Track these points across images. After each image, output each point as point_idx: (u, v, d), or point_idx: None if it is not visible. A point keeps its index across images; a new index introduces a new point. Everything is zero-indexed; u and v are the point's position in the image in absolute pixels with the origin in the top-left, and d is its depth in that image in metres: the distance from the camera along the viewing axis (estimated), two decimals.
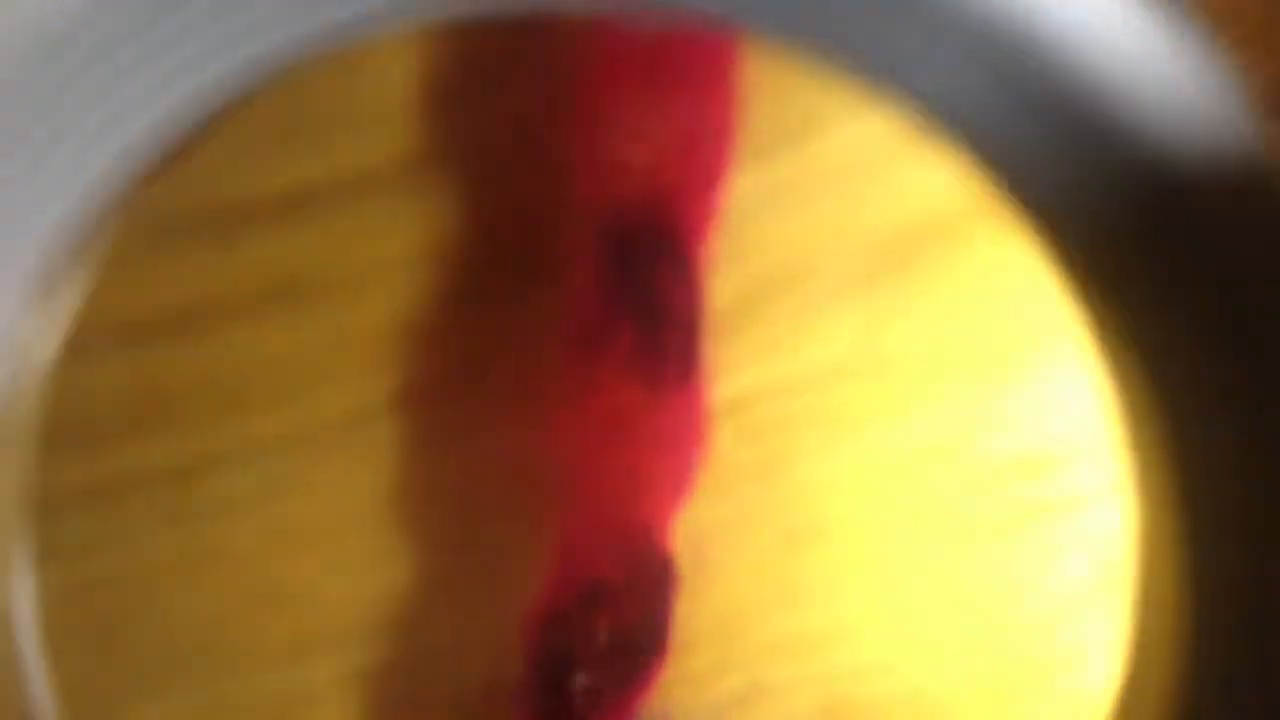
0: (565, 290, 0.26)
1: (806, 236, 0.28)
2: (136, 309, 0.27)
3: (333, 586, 0.28)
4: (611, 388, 0.26)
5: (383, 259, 0.27)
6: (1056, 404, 0.29)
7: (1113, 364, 0.23)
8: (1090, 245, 0.22)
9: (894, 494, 0.29)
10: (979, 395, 0.29)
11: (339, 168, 0.27)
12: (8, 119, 0.20)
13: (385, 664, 0.28)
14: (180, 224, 0.27)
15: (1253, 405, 0.22)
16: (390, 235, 0.27)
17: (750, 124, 0.27)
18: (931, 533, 0.29)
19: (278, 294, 0.27)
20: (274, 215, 0.27)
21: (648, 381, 0.26)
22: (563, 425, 0.27)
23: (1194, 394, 0.22)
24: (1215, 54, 0.21)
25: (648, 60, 0.25)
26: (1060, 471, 0.29)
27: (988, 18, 0.21)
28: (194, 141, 0.23)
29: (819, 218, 0.28)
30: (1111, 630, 0.29)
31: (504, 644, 0.28)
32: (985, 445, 0.29)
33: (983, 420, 0.29)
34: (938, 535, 0.29)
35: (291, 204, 0.27)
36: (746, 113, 0.27)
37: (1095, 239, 0.22)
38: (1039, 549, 0.29)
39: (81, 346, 0.24)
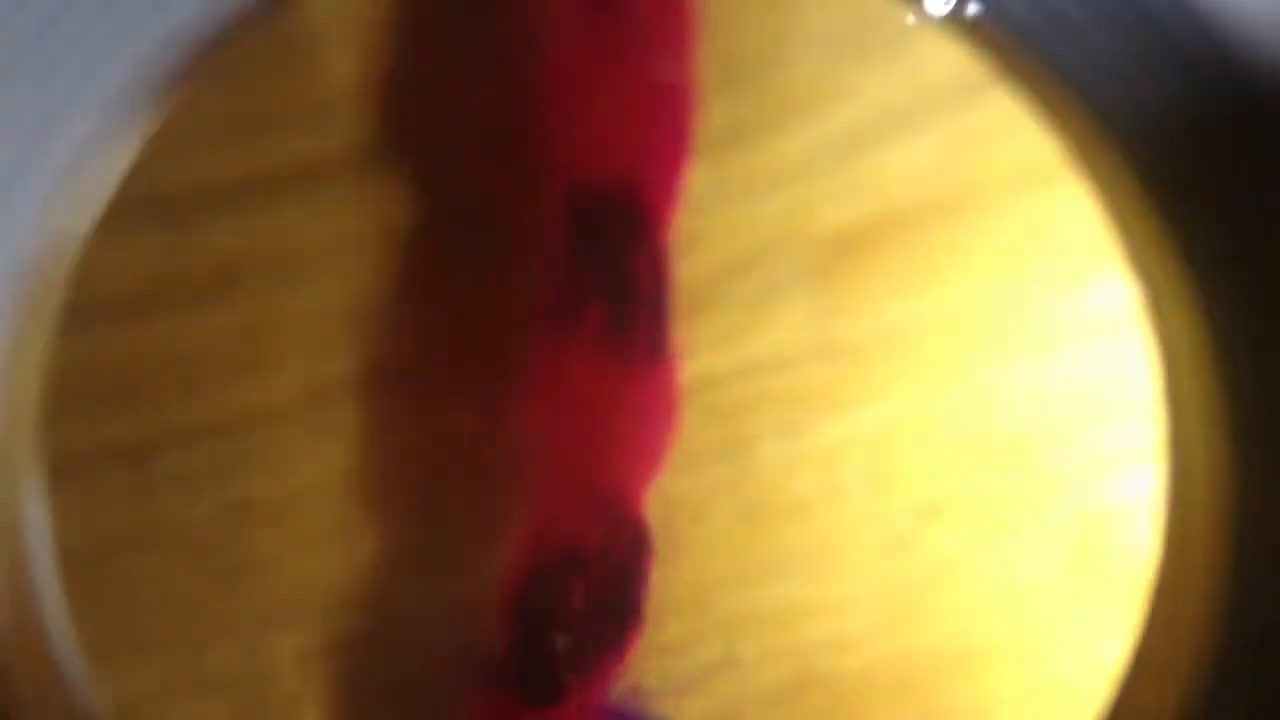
0: (533, 269, 0.28)
1: (763, 227, 0.30)
2: (98, 291, 0.28)
3: (296, 561, 0.29)
4: (581, 363, 0.28)
5: (347, 241, 0.28)
6: (1010, 388, 0.31)
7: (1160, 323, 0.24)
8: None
9: (855, 473, 0.30)
10: (934, 380, 0.30)
11: (301, 153, 0.28)
12: None
13: (351, 637, 0.29)
14: (141, 208, 0.28)
15: None
16: (354, 218, 0.28)
17: (709, 119, 0.29)
18: (894, 510, 0.30)
19: (238, 276, 0.29)
20: (234, 200, 0.28)
21: (617, 357, 0.28)
22: (534, 400, 0.28)
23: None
24: None
25: (603, 28, 0.27)
26: (1024, 454, 0.31)
27: None
28: (154, 128, 0.25)
29: (775, 210, 0.30)
30: (1080, 603, 0.31)
31: (472, 616, 0.29)
32: (943, 427, 0.31)
33: (938, 404, 0.30)
34: (900, 513, 0.30)
35: (251, 189, 0.28)
36: (707, 106, 0.28)
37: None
38: (1000, 527, 0.31)
39: (44, 327, 0.26)
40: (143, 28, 0.22)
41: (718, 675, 0.30)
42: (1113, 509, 0.31)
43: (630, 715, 0.29)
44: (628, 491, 0.28)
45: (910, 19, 0.29)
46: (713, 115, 0.29)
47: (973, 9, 0.25)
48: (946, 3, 0.25)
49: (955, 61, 0.30)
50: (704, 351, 0.29)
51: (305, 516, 0.29)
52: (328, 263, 0.29)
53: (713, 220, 0.29)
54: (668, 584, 0.29)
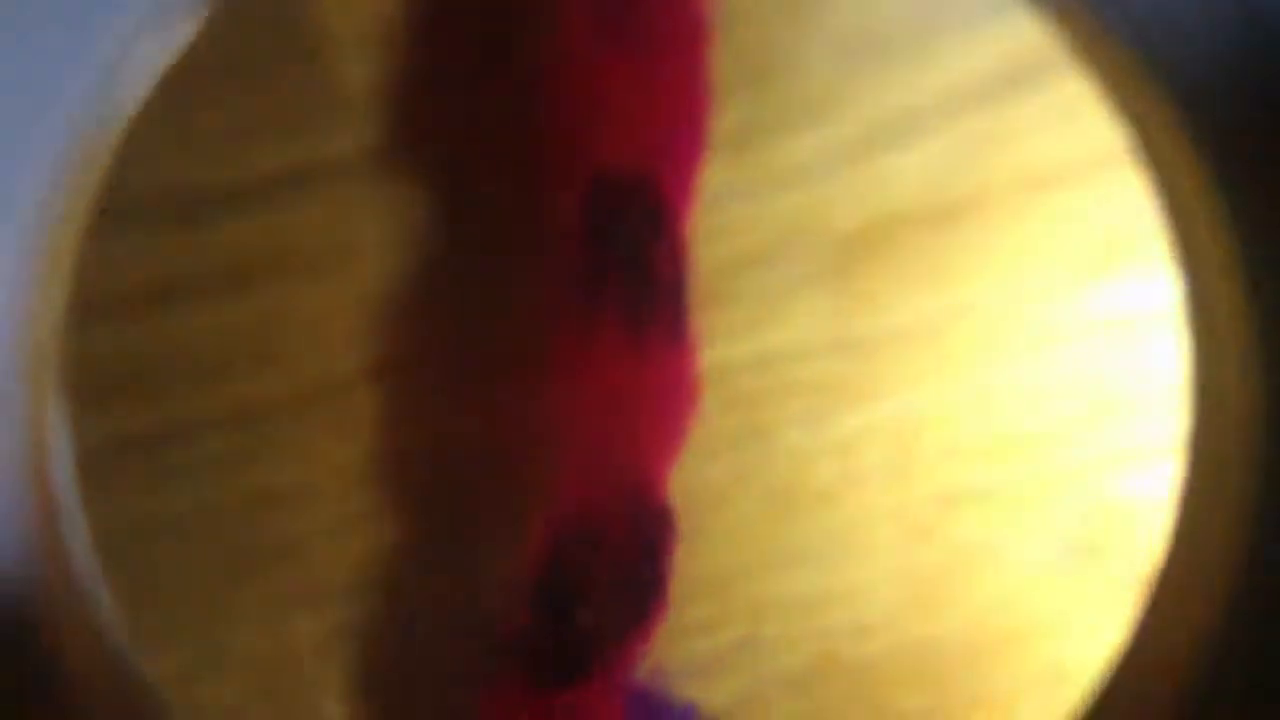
0: (552, 258, 0.29)
1: (779, 224, 0.31)
2: (121, 285, 0.29)
3: (315, 547, 0.30)
4: (602, 350, 0.29)
5: (366, 236, 0.29)
6: (1028, 383, 0.32)
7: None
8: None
9: (875, 463, 0.31)
10: (952, 374, 0.31)
11: (321, 151, 0.29)
12: None
13: (370, 622, 0.30)
14: (159, 204, 0.29)
15: None
16: (372, 214, 0.29)
17: (727, 118, 0.30)
18: (913, 500, 0.31)
19: (255, 271, 0.30)
20: (251, 197, 0.29)
21: (637, 344, 0.29)
22: (554, 387, 0.29)
23: None
24: None
25: (619, 26, 0.28)
26: (1042, 447, 0.32)
27: None
28: (175, 126, 0.26)
29: (792, 207, 0.31)
30: (1098, 592, 0.31)
31: (492, 600, 0.30)
32: (961, 420, 0.31)
33: (956, 397, 0.31)
34: (919, 502, 0.31)
35: (268, 186, 0.29)
36: (724, 105, 0.30)
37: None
38: (1019, 517, 0.32)
39: (60, 321, 0.26)
40: None
41: (739, 659, 0.31)
42: (1132, 501, 0.32)
43: (653, 697, 0.30)
44: (650, 475, 0.29)
45: None
46: (730, 114, 0.30)
47: None
48: None
49: (972, 64, 0.31)
50: (722, 342, 0.30)
51: (323, 504, 0.30)
52: (347, 257, 0.30)
53: (729, 217, 0.30)
54: (689, 569, 0.30)
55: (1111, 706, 0.27)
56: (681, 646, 0.30)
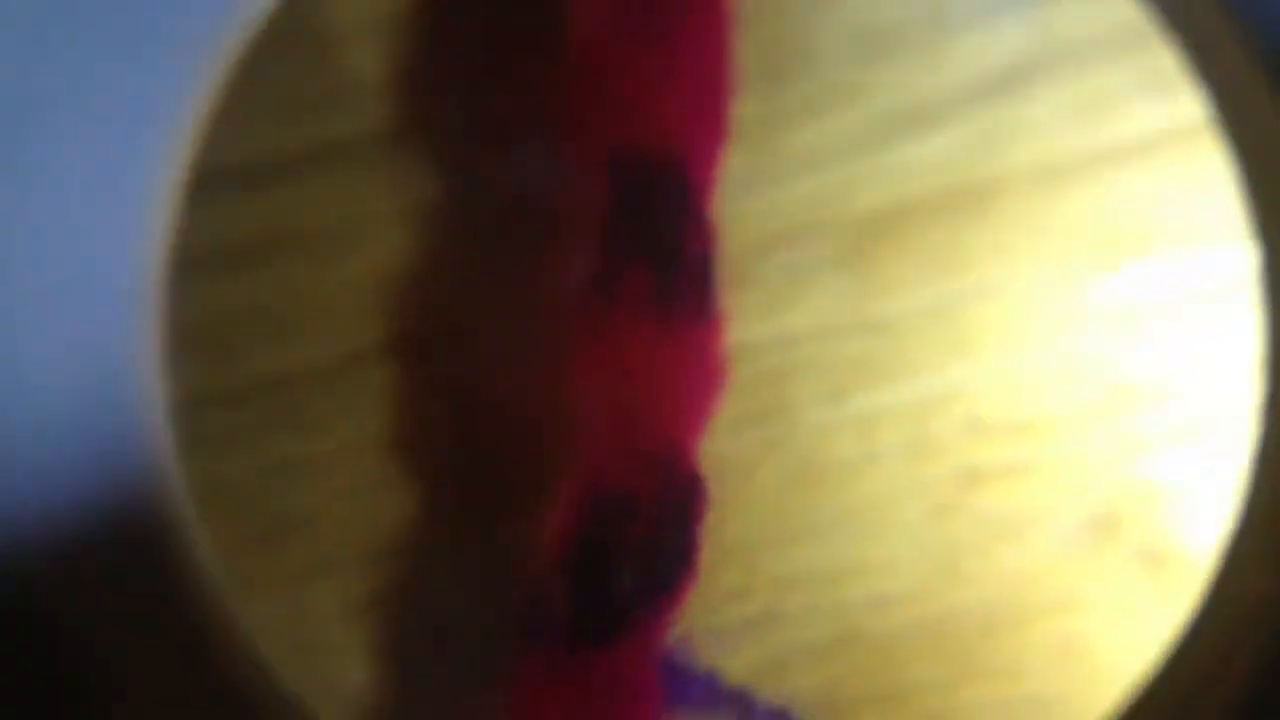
0: (579, 234, 0.30)
1: (799, 209, 0.32)
2: None
3: (337, 516, 0.30)
4: (627, 325, 0.29)
5: (386, 212, 0.30)
6: (1049, 365, 0.32)
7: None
8: None
9: (895, 441, 0.32)
10: (971, 355, 0.32)
11: (341, 129, 0.30)
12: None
13: (396, 588, 0.31)
14: (175, 182, 0.30)
15: None
16: (393, 190, 0.30)
17: (748, 105, 0.31)
18: (933, 477, 0.32)
19: (277, 246, 0.30)
20: (270, 174, 0.30)
21: (663, 318, 0.29)
22: (580, 360, 0.30)
23: None
24: None
25: (644, 10, 0.29)
26: (1045, 428, 0.32)
27: None
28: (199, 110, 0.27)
29: (811, 192, 0.32)
30: (1121, 572, 0.32)
31: (520, 568, 0.30)
32: (982, 400, 0.32)
33: (976, 378, 0.32)
34: (939, 479, 0.32)
35: (289, 164, 0.30)
36: (745, 93, 0.31)
37: None
38: (1042, 496, 0.32)
39: None
40: None
41: (762, 630, 0.32)
42: (1152, 482, 0.32)
43: (678, 664, 0.31)
44: (680, 445, 0.30)
45: None
46: (752, 102, 0.31)
47: None
48: None
49: (989, 54, 0.32)
50: (744, 322, 0.31)
51: (346, 473, 0.31)
52: (367, 232, 0.31)
53: (750, 202, 0.31)
54: (713, 541, 0.31)
55: (1172, 685, 0.27)
56: (705, 616, 0.31)
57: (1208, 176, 0.31)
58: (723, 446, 0.31)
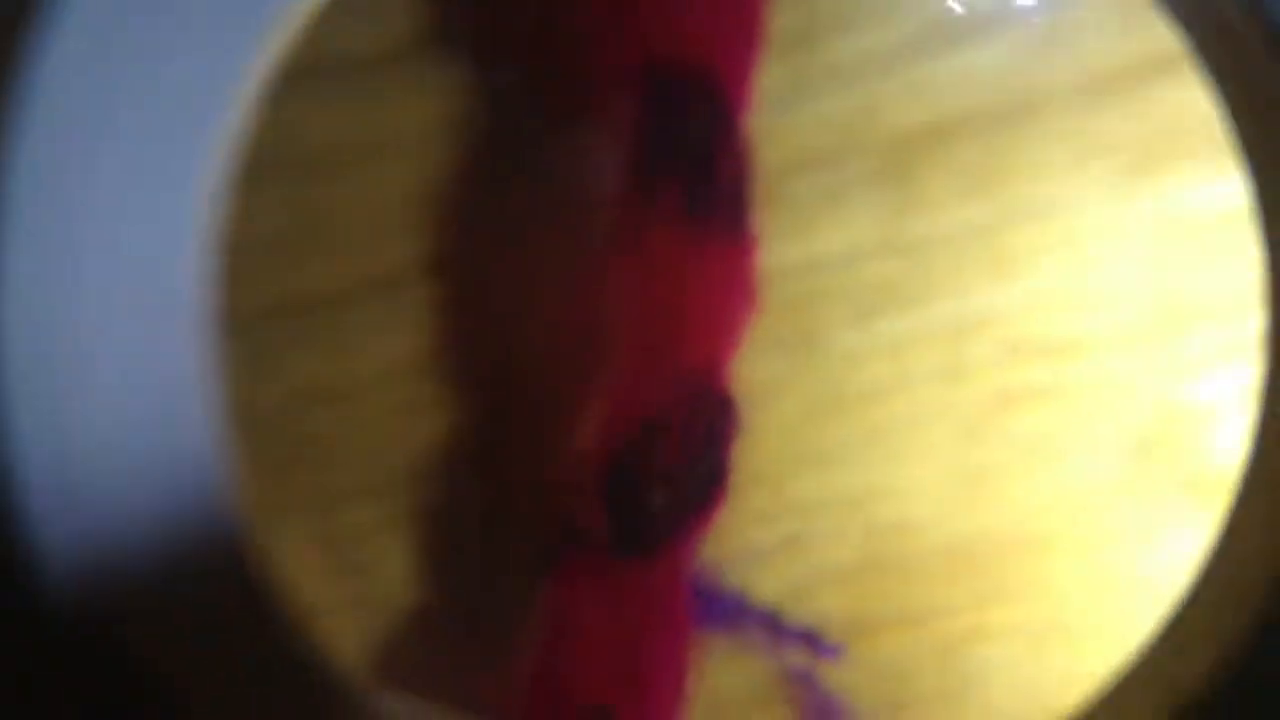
0: (611, 149, 0.29)
1: (833, 127, 0.31)
2: None
3: (368, 439, 0.30)
4: (661, 240, 0.29)
5: (415, 128, 0.30)
6: (1080, 286, 0.32)
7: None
8: None
9: (926, 364, 0.31)
10: (1004, 277, 0.32)
11: (364, 43, 0.30)
12: None
13: (434, 505, 0.30)
14: None
15: None
16: (421, 105, 0.30)
17: (781, 18, 0.30)
18: (964, 400, 0.32)
19: (301, 163, 0.30)
20: (294, 88, 0.30)
21: (696, 235, 0.29)
22: (614, 275, 0.29)
23: None
24: None
25: None
26: (1084, 350, 0.32)
27: None
28: None
29: (845, 109, 0.31)
30: (1151, 495, 0.32)
31: (553, 486, 0.30)
32: (1015, 323, 0.32)
33: (1008, 300, 0.32)
34: (969, 403, 0.32)
35: (313, 79, 0.29)
36: (779, 5, 0.30)
37: None
38: (1072, 420, 0.32)
39: None
40: None
41: (789, 552, 0.32)
42: (1193, 405, 0.32)
43: (707, 585, 0.31)
44: (711, 365, 0.29)
45: None
46: (786, 14, 0.30)
47: None
48: None
49: None
50: (774, 244, 0.31)
51: (380, 395, 0.30)
52: (397, 150, 0.30)
53: (783, 119, 0.31)
54: (741, 465, 0.30)
55: (1200, 601, 0.27)
56: (733, 537, 0.31)
57: None
58: (751, 370, 0.31)
